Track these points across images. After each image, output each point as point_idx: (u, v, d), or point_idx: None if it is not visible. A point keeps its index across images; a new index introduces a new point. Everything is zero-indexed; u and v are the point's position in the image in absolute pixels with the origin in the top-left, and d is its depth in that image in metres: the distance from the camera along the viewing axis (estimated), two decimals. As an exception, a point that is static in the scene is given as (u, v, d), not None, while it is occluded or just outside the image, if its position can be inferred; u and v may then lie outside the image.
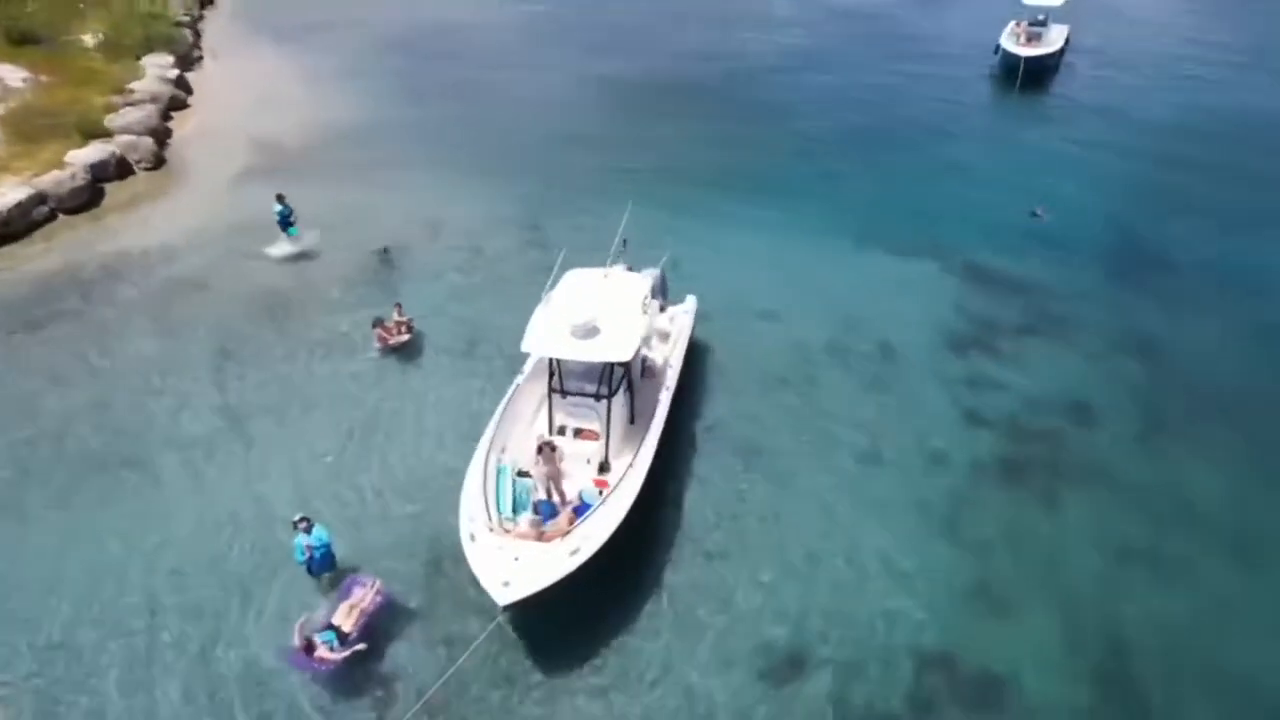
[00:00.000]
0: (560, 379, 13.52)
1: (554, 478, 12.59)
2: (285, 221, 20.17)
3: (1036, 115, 29.61)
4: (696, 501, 14.16)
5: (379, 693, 11.22)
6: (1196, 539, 13.64)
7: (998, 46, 32.61)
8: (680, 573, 12.98)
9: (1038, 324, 18.75)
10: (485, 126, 27.89)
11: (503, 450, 13.15)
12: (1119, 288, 19.93)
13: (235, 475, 14.58)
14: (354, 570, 12.72)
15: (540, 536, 11.38)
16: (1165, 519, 14.02)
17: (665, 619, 12.28)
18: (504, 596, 10.33)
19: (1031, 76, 30.86)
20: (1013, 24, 33.04)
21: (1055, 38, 32.07)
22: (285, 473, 14.59)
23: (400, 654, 11.71)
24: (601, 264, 15.58)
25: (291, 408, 16.08)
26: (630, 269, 15.39)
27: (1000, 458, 15.26)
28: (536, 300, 17.12)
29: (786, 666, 11.78)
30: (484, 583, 10.57)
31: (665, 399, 13.97)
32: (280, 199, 20.17)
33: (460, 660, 10.93)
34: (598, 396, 13.39)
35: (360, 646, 11.21)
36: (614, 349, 12.77)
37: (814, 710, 11.21)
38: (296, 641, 11.11)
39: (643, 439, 12.99)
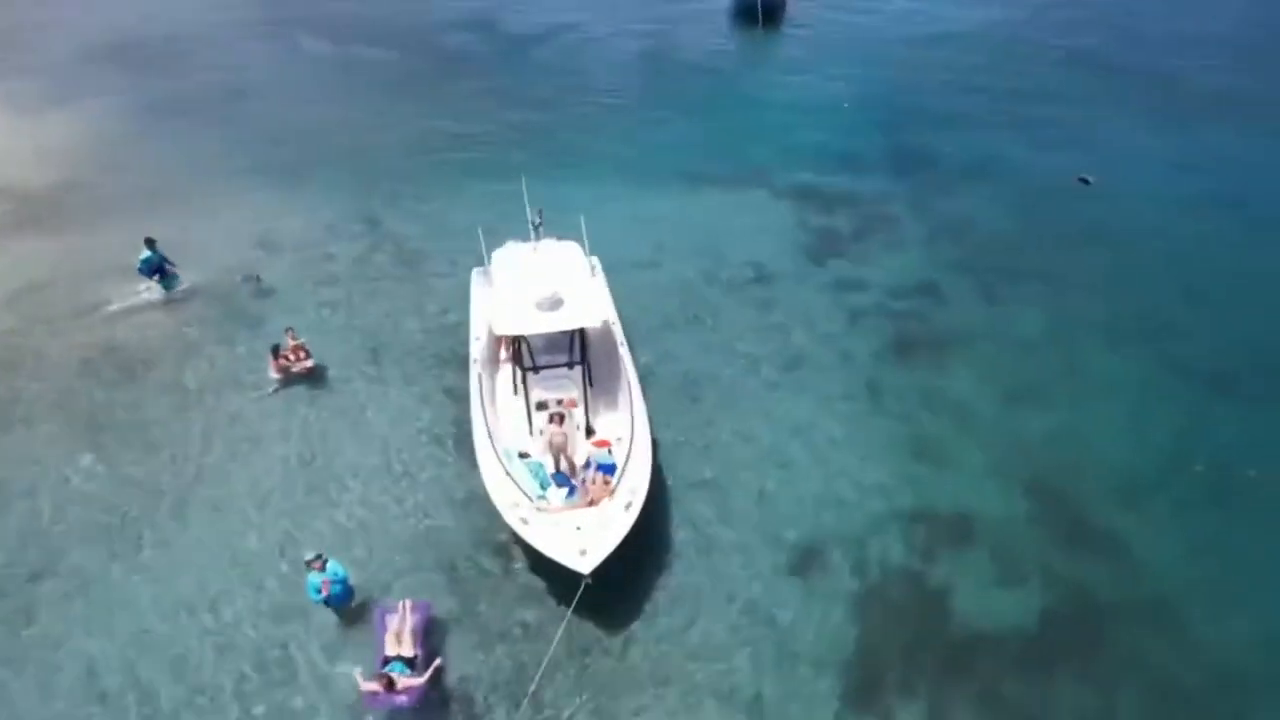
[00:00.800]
0: (531, 355, 13.59)
1: (564, 448, 12.85)
2: (156, 270, 17.71)
3: (788, 48, 32.81)
4: (670, 440, 15.00)
5: (473, 704, 11.04)
6: (1049, 369, 16.89)
7: (731, -12, 35.46)
8: (685, 505, 13.85)
9: (867, 226, 21.50)
10: (268, 130, 25.63)
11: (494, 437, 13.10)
12: (914, 185, 23.23)
13: (159, 568, 12.91)
14: (372, 601, 12.18)
15: (591, 502, 11.70)
16: (1022, 359, 17.18)
17: (691, 551, 13.12)
18: (586, 564, 10.67)
19: (769, 14, 33.97)
20: (736, -32, 35.94)
21: (780, -24, 35.24)
22: (220, 543, 13.20)
23: (470, 662, 11.55)
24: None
25: (199, 469, 14.51)
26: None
27: (888, 341, 17.64)
28: (419, 294, 17.15)
29: (805, 558, 13.18)
30: (560, 559, 10.79)
31: (625, 354, 14.55)
32: (150, 244, 17.61)
33: (554, 643, 11.05)
34: (570, 364, 13.70)
35: (438, 662, 10.97)
36: (584, 314, 13.19)
37: (845, 582, 12.80)
38: (372, 685, 10.58)
39: (629, 392, 13.58)
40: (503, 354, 15.02)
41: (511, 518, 11.53)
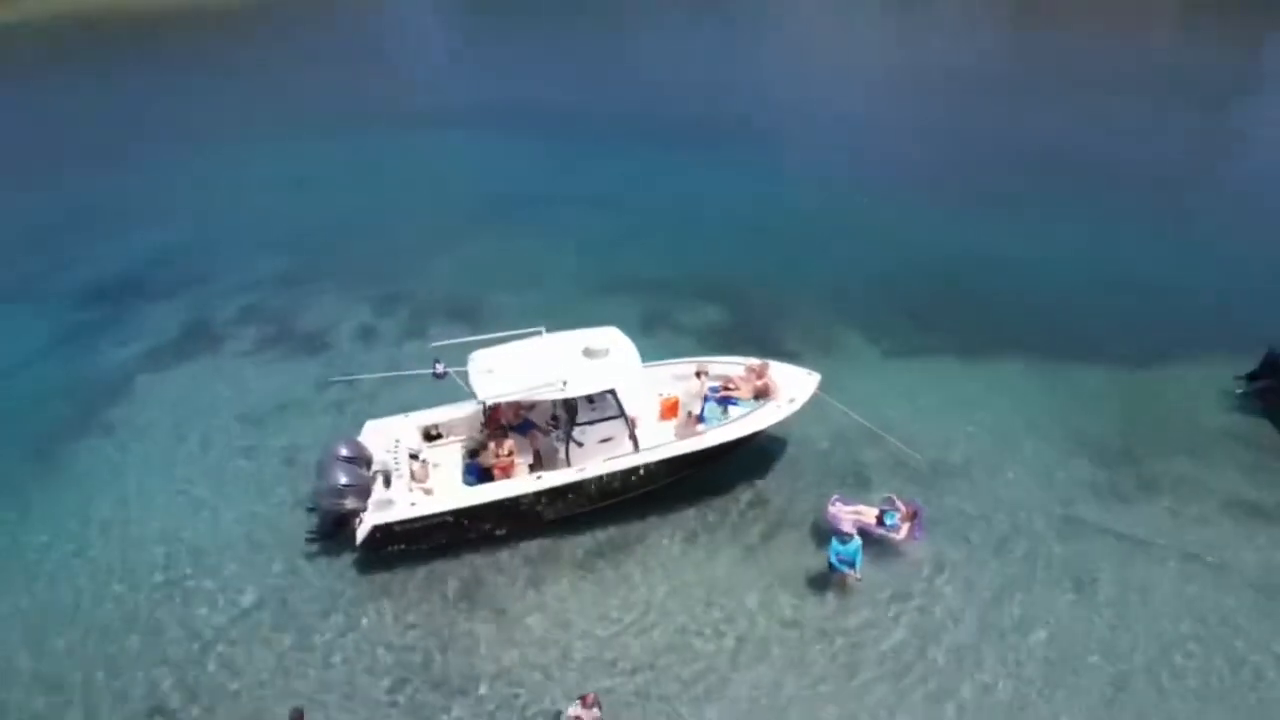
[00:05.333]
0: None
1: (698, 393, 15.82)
2: None
3: None
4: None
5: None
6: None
7: None
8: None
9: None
10: None
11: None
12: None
13: None
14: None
15: (759, 375, 15.84)
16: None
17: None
18: (816, 377, 15.78)
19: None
20: None
21: None
22: None
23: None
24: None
25: None
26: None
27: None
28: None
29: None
30: (809, 394, 15.39)
31: None
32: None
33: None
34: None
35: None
36: (624, 340, 14.92)
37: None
38: (904, 527, 13.95)
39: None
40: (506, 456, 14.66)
41: (784, 414, 15.03)
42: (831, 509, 14.23)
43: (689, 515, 14.88)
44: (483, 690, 12.07)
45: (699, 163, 30.72)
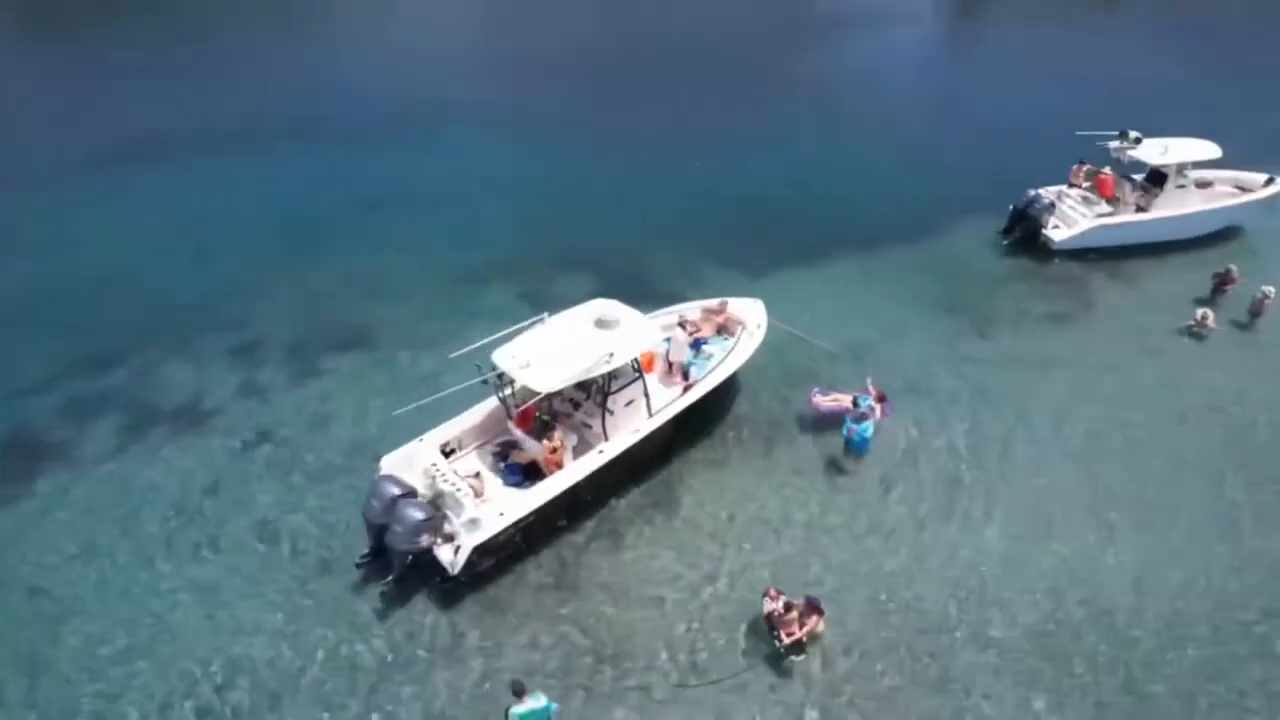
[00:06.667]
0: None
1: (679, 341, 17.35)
2: None
3: None
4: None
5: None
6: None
7: None
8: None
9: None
10: None
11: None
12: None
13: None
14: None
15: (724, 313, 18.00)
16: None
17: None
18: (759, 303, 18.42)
19: None
20: None
21: None
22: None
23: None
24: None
25: None
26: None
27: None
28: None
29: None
30: (760, 335, 17.51)
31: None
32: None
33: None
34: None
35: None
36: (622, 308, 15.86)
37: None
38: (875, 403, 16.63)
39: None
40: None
41: (759, 339, 17.30)
42: (814, 399, 16.97)
43: (698, 449, 16.64)
44: (641, 646, 13.10)
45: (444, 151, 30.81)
